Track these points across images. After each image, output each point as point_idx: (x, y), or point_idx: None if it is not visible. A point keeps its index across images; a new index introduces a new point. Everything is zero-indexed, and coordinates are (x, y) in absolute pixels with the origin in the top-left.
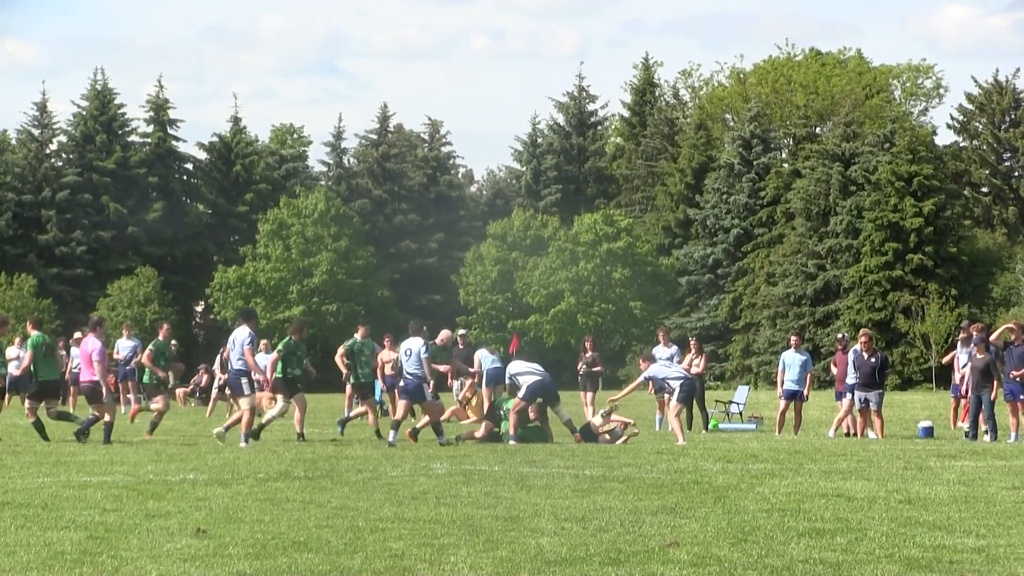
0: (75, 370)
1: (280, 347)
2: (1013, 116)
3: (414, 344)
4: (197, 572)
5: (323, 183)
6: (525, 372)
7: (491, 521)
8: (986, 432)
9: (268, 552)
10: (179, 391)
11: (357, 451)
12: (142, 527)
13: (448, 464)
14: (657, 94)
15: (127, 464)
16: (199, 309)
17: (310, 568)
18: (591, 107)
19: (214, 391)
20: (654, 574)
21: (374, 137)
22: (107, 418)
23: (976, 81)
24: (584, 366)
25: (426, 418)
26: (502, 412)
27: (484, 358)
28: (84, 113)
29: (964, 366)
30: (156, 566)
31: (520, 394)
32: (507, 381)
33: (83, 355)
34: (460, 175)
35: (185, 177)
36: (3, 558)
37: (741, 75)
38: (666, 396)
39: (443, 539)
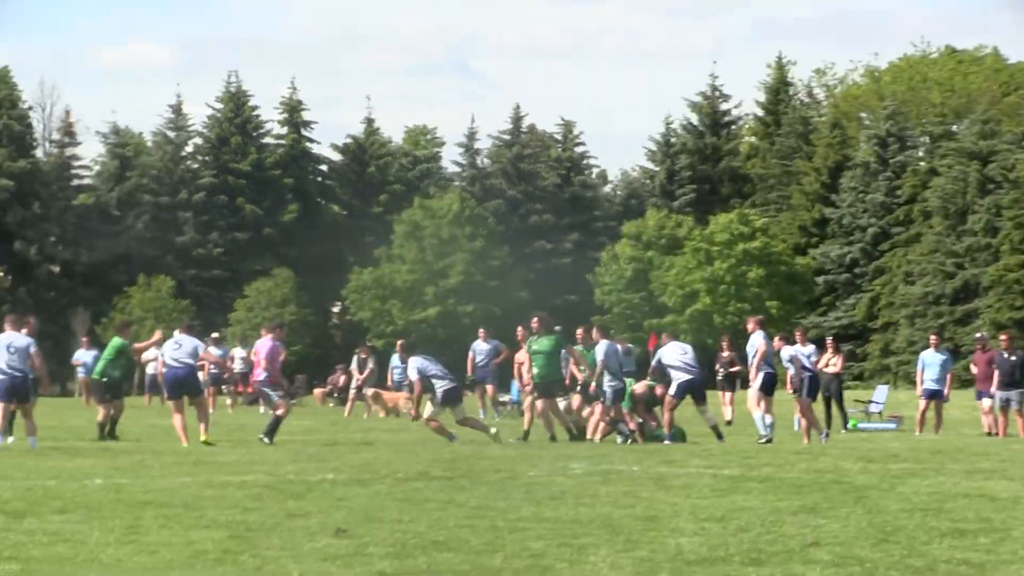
0: (213, 371)
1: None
2: None
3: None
4: (338, 571)
5: (457, 184)
6: (678, 367)
7: (630, 521)
8: None
9: (408, 551)
10: (317, 391)
11: (495, 451)
12: (283, 526)
13: (586, 464)
14: (791, 93)
15: (267, 464)
16: (335, 310)
17: (450, 568)
18: (724, 106)
19: (351, 391)
20: (795, 575)
21: (507, 137)
22: (279, 412)
23: None
24: (722, 367)
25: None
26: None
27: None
28: (219, 115)
29: None
30: (297, 565)
31: (671, 391)
32: (653, 366)
33: (259, 354)
34: (594, 175)
35: (320, 179)
36: (145, 557)
37: (876, 73)
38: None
39: (583, 539)
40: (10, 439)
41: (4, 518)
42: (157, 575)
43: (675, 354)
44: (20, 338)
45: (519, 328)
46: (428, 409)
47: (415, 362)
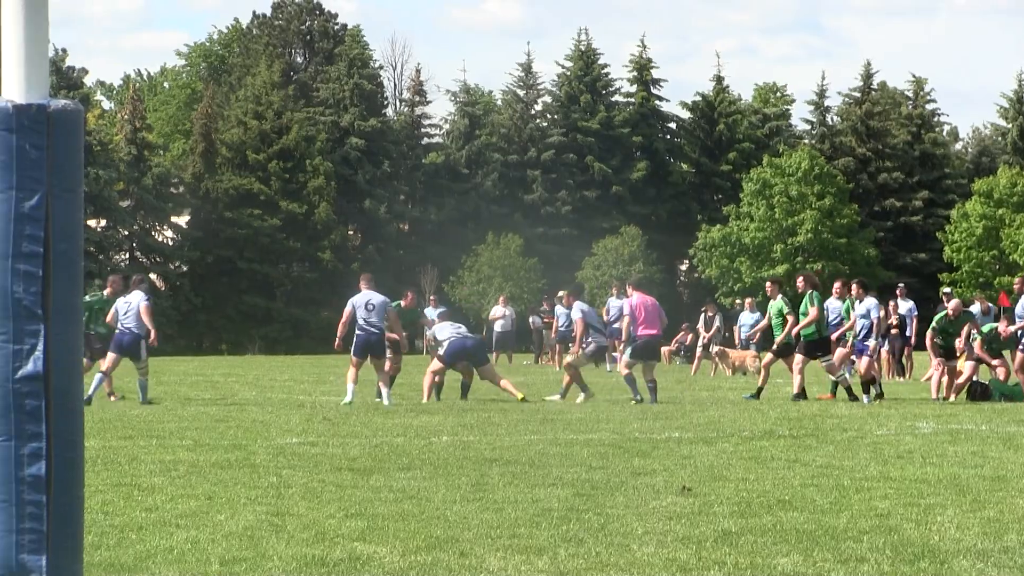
0: (562, 328)
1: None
2: None
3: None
4: (682, 530)
5: (806, 141)
6: None
7: (978, 481)
8: None
9: (752, 510)
10: (664, 349)
11: (842, 410)
12: (628, 484)
13: (934, 423)
14: None
15: (613, 422)
16: (683, 268)
17: (795, 527)
18: None
19: (698, 349)
20: None
21: (857, 95)
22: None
23: None
24: None
25: None
26: None
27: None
28: (568, 73)
29: None
30: (641, 523)
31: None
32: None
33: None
34: (944, 133)
35: (668, 136)
36: (490, 514)
37: None
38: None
39: (929, 499)
40: (349, 397)
41: (352, 475)
42: (502, 532)
43: None
44: (377, 296)
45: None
46: (574, 357)
47: (579, 306)
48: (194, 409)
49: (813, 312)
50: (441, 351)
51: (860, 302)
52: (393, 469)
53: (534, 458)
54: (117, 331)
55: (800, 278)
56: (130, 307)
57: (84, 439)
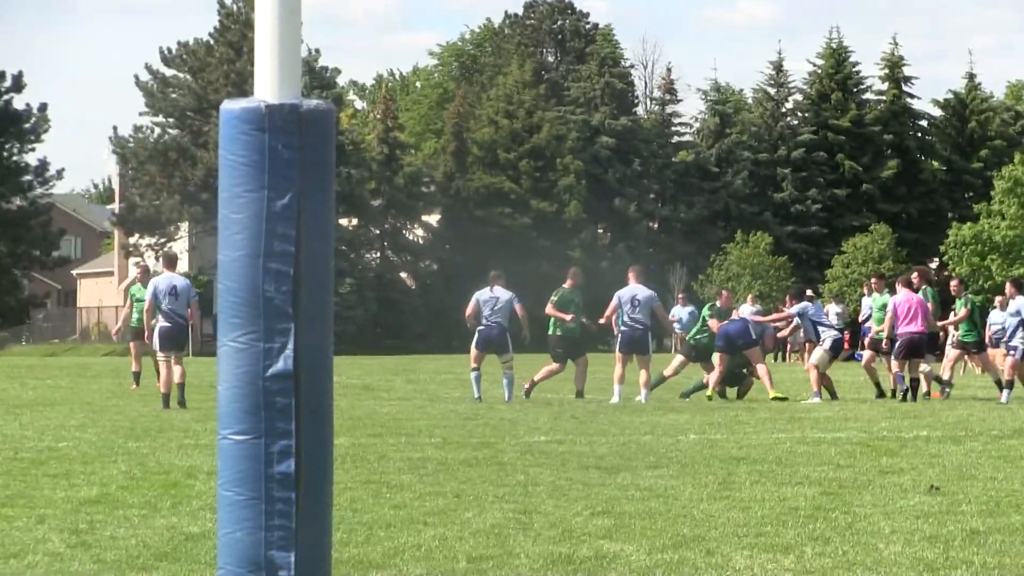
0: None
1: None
2: None
3: None
4: (930, 529)
5: None
6: None
7: None
8: None
9: (1001, 510)
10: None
11: None
12: (875, 483)
13: None
14: None
15: (861, 421)
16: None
17: None
18: None
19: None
20: None
21: None
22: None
23: None
24: None
25: None
26: None
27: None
28: (819, 71)
29: None
30: (889, 522)
31: None
32: None
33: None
34: None
35: (919, 134)
36: (737, 513)
37: None
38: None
39: None
40: (615, 399)
41: (599, 473)
42: (749, 531)
43: None
44: (644, 290)
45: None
46: (816, 355)
47: (801, 306)
48: (443, 407)
49: (963, 312)
50: None
51: (1013, 300)
52: (640, 467)
53: (781, 456)
54: (483, 326)
55: (916, 273)
56: (499, 302)
57: (334, 437)
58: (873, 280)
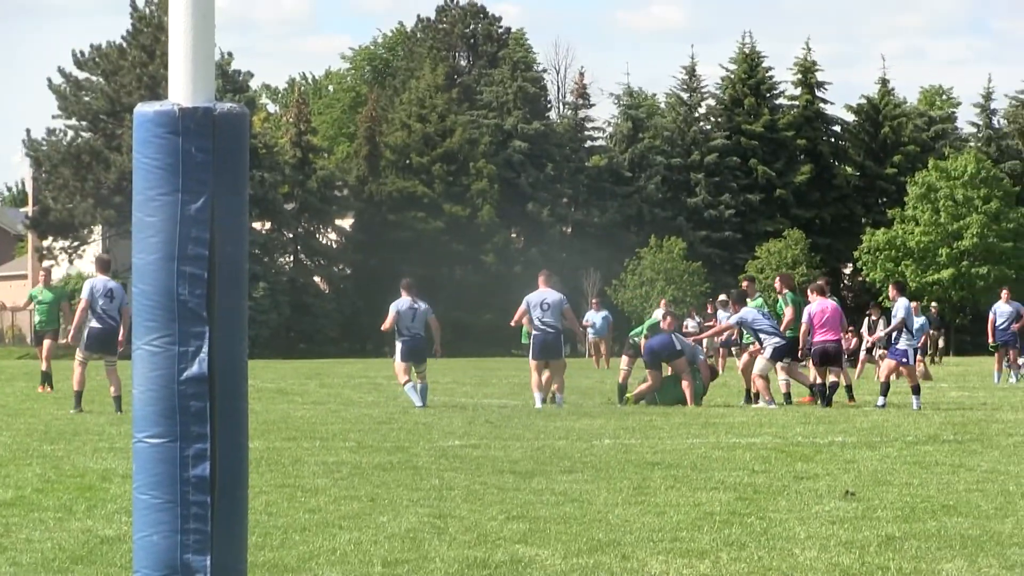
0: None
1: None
2: None
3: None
4: (846, 534)
5: (972, 145)
6: None
7: None
8: None
9: (917, 515)
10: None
11: (1008, 415)
12: (790, 489)
13: None
14: None
15: (775, 426)
16: (847, 271)
17: (959, 532)
18: None
19: (861, 353)
20: None
21: None
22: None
23: None
24: None
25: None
26: None
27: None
28: (732, 76)
29: None
30: (804, 527)
31: None
32: None
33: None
34: None
35: (833, 140)
36: (652, 518)
37: None
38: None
39: None
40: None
41: (514, 478)
42: (664, 536)
43: None
44: (553, 294)
45: None
46: (759, 364)
47: (741, 315)
48: (357, 411)
49: (788, 313)
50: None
51: (894, 303)
52: (555, 472)
53: (696, 461)
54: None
55: (777, 279)
56: (418, 313)
57: (249, 440)
58: (744, 284)
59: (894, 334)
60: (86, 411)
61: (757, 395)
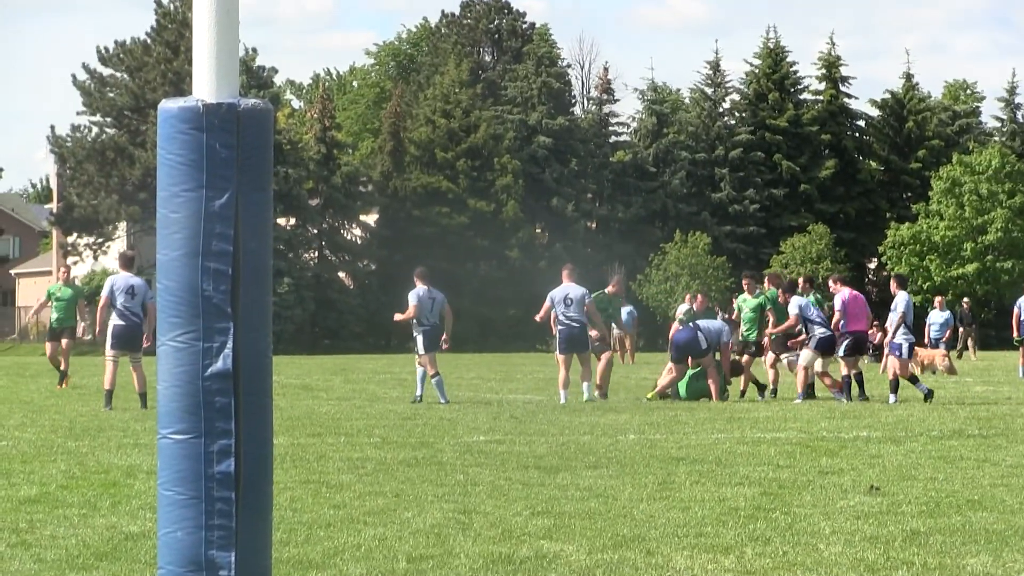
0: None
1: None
2: None
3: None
4: (870, 529)
5: (996, 139)
6: None
7: None
8: None
9: (941, 510)
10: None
11: None
12: (815, 484)
13: None
14: None
15: (800, 421)
16: (871, 266)
17: (984, 527)
18: None
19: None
20: None
21: None
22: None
23: None
24: None
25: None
26: None
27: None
28: (756, 71)
29: None
30: (829, 522)
31: None
32: None
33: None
34: None
35: (857, 134)
36: (677, 513)
37: None
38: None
39: None
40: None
41: (539, 473)
42: (689, 531)
43: None
44: (577, 288)
45: None
46: (804, 355)
47: (797, 300)
48: (382, 407)
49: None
50: None
51: (895, 296)
52: (580, 467)
53: (721, 457)
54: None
55: (767, 278)
56: (436, 303)
57: (273, 436)
58: (744, 281)
59: (901, 329)
60: (115, 408)
61: (775, 390)
